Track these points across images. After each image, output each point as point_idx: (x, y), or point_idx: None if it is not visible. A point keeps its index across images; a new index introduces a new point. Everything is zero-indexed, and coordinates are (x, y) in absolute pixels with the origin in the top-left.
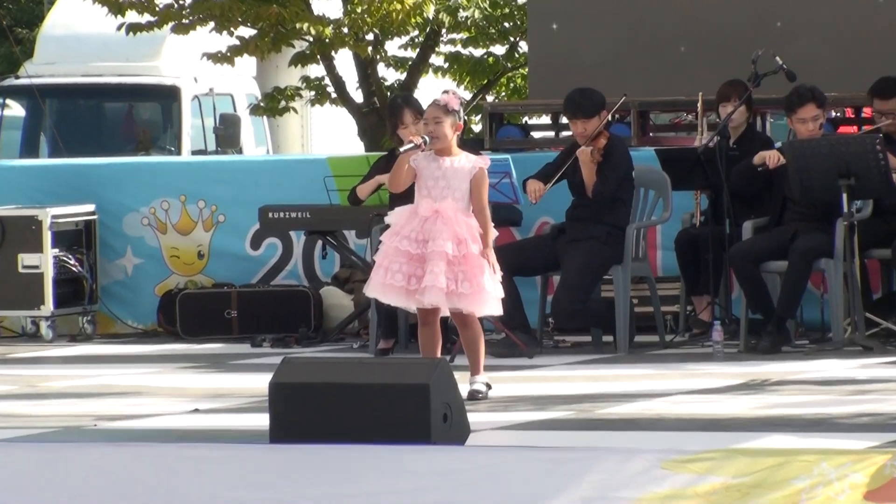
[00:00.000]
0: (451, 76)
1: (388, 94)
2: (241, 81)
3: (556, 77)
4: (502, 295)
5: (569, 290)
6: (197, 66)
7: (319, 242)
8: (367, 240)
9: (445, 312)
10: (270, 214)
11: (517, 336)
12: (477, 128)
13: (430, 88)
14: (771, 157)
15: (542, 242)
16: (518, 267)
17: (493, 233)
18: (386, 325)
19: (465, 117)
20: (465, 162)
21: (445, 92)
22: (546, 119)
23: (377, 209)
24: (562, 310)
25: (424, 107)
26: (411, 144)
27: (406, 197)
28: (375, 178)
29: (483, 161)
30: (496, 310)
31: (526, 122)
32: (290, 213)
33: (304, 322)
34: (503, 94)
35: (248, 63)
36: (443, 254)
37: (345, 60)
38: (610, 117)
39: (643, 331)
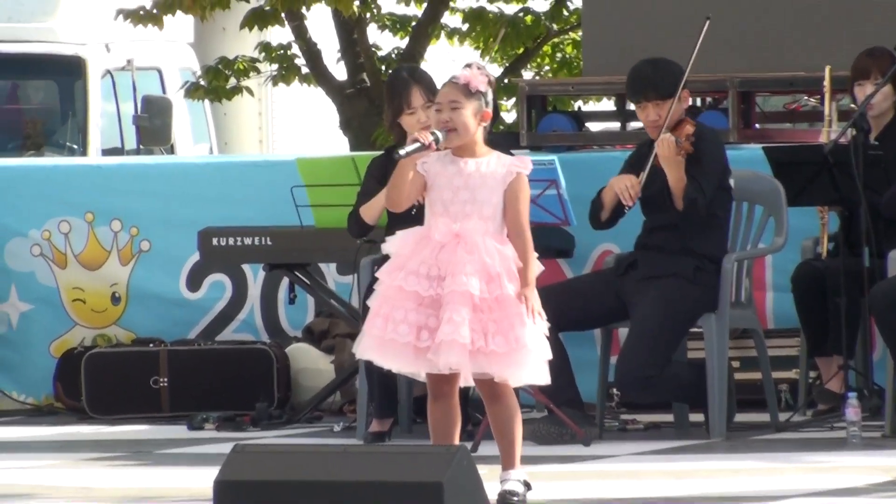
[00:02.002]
0: (471, 42)
1: (383, 67)
2: (172, 51)
3: (621, 45)
4: (549, 355)
5: (641, 350)
6: (109, 29)
7: (285, 280)
8: (352, 276)
9: (468, 381)
10: (215, 241)
11: (567, 414)
12: (510, 116)
13: (442, 60)
14: None
15: (604, 281)
16: (568, 317)
17: (537, 266)
18: (381, 398)
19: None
20: (497, 165)
21: (468, 66)
22: (608, 104)
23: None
24: (631, 377)
25: (440, 86)
26: (417, 144)
27: (410, 218)
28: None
29: (522, 164)
30: (540, 377)
31: (579, 108)
32: (244, 238)
33: (264, 394)
34: (546, 68)
35: (182, 25)
36: (466, 295)
37: (321, 20)
38: (698, 100)
39: (747, 406)
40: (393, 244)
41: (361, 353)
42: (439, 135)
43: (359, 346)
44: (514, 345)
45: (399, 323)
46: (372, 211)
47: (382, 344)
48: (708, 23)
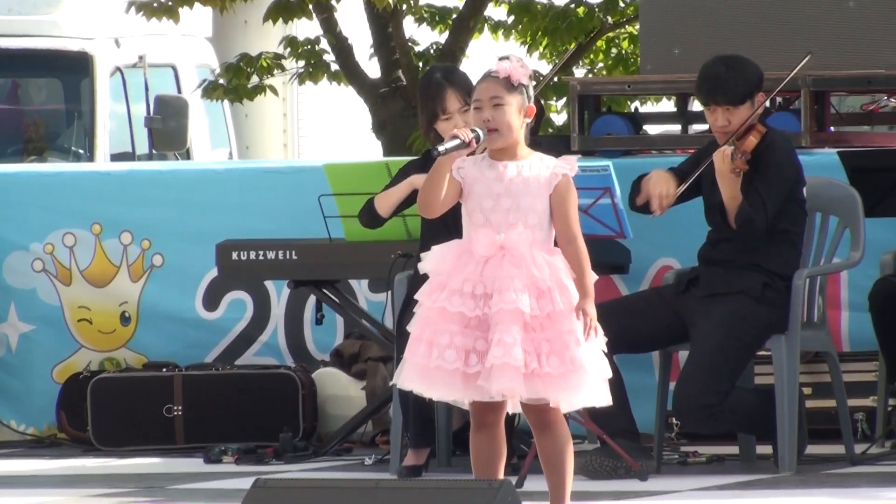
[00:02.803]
0: (517, 37)
1: (421, 64)
2: (189, 46)
3: (682, 40)
4: (609, 374)
5: (702, 375)
6: (119, 23)
7: (312, 299)
8: (386, 294)
9: (517, 407)
10: (235, 255)
11: (621, 446)
12: (560, 118)
13: (485, 56)
14: None
15: (662, 300)
16: (623, 339)
17: (591, 275)
18: (417, 427)
19: (542, 101)
20: (540, 167)
21: (505, 58)
22: (667, 104)
23: (402, 245)
24: (692, 405)
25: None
26: (456, 141)
27: (447, 228)
28: (409, 179)
29: (567, 164)
30: (599, 398)
31: (636, 109)
32: (266, 252)
33: (288, 423)
34: (600, 65)
35: (199, 17)
36: (516, 313)
37: (352, 12)
38: (768, 102)
39: (820, 437)
40: (430, 261)
41: (403, 383)
42: (480, 132)
43: (400, 376)
44: (570, 365)
45: (445, 348)
46: (387, 200)
47: (427, 372)
48: (809, 56)
